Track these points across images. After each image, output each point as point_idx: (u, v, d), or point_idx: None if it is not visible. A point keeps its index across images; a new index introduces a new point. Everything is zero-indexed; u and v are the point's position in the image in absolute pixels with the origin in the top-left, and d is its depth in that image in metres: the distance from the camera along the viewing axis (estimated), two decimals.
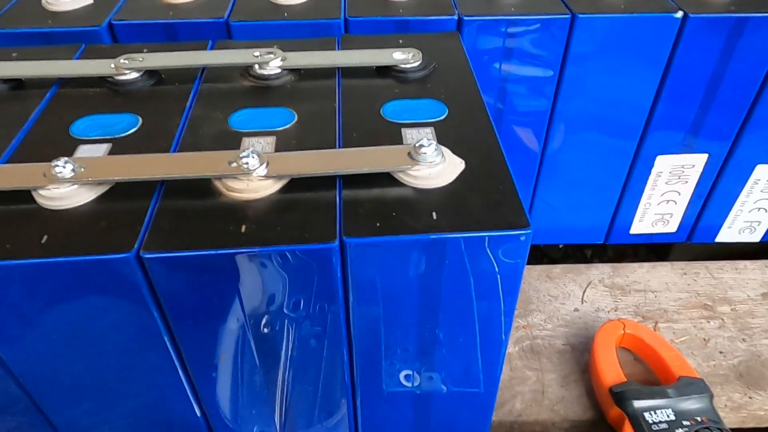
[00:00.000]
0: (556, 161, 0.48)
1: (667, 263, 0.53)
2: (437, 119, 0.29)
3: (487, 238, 0.23)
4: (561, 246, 0.62)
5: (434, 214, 0.24)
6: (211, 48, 0.35)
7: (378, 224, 0.23)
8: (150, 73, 0.32)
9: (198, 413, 0.30)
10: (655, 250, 0.62)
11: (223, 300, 0.24)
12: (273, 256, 0.23)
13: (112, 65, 0.32)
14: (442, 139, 0.28)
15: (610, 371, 0.40)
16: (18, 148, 0.27)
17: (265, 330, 0.26)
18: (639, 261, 0.55)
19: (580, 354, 0.45)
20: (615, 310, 0.48)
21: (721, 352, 0.45)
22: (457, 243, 0.23)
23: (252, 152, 0.24)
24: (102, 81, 0.32)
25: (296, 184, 0.25)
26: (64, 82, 0.32)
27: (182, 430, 0.30)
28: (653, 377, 0.42)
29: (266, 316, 0.25)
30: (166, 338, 0.25)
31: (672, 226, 0.54)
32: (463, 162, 0.26)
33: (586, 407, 0.41)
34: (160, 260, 0.22)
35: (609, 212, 0.52)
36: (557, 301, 0.49)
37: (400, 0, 0.41)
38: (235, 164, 0.24)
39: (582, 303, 0.49)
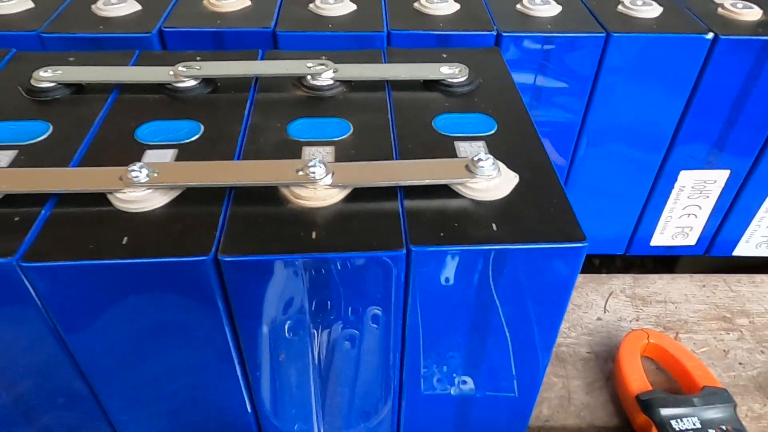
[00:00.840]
0: (583, 173, 0.49)
1: (686, 275, 0.54)
2: (488, 133, 0.30)
3: (546, 249, 0.24)
4: None
5: (494, 225, 0.25)
6: (262, 58, 0.36)
7: (442, 234, 0.24)
8: (206, 81, 0.33)
9: (249, 409, 0.31)
10: (663, 261, 0.63)
11: (290, 302, 0.25)
12: (343, 262, 0.24)
13: (171, 72, 0.33)
14: (494, 153, 0.29)
15: (636, 379, 0.41)
16: (87, 151, 0.29)
17: (324, 333, 0.27)
18: (646, 272, 0.57)
19: (604, 362, 0.46)
20: (637, 320, 0.49)
21: (740, 363, 0.46)
22: (517, 254, 0.24)
23: (319, 162, 0.26)
24: (160, 87, 0.33)
25: (359, 194, 0.26)
26: (123, 87, 0.33)
27: (232, 424, 0.31)
28: (676, 386, 0.43)
29: (326, 320, 0.26)
30: (229, 337, 0.27)
31: (691, 239, 0.55)
32: (517, 176, 0.27)
33: (611, 414, 0.42)
34: (236, 263, 0.23)
35: (631, 224, 0.54)
36: (580, 309, 0.50)
37: (440, 14, 0.43)
38: (302, 173, 0.25)
39: (604, 312, 0.50)
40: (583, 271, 0.58)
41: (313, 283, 0.24)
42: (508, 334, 0.28)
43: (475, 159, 0.26)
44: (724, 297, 0.52)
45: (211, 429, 0.32)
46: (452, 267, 0.25)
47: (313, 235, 0.24)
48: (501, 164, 0.27)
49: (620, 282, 0.53)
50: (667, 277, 0.54)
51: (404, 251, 0.24)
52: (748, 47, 0.42)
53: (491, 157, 0.26)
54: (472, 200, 0.26)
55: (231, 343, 0.27)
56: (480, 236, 0.24)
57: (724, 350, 0.47)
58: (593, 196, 0.52)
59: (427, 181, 0.26)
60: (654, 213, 0.53)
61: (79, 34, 0.39)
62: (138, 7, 0.42)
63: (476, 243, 0.24)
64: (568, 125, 0.46)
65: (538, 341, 0.29)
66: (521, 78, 0.42)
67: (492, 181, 0.26)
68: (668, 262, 0.63)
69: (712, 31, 0.42)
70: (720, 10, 0.45)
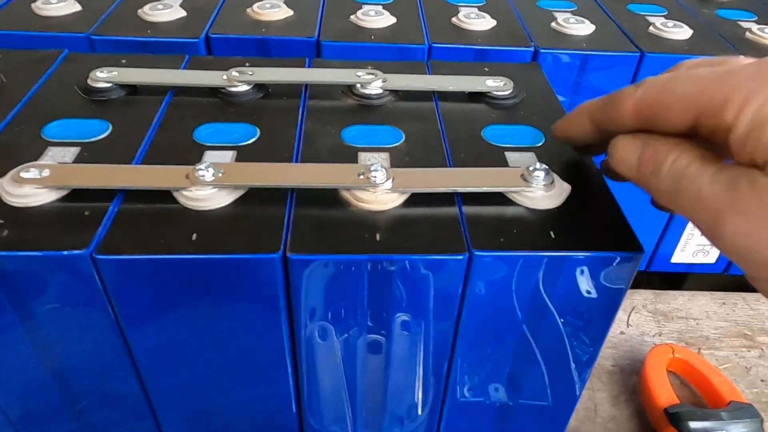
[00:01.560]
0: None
1: (706, 293, 0.55)
2: (537, 145, 0.31)
3: (604, 257, 0.25)
4: None
5: (552, 233, 0.25)
6: (308, 66, 0.37)
7: (502, 239, 0.25)
8: (258, 87, 0.34)
9: (294, 410, 0.31)
10: (669, 278, 0.64)
11: (351, 303, 0.26)
12: (407, 264, 0.24)
13: (225, 77, 0.34)
14: (544, 164, 0.30)
15: (663, 393, 0.42)
16: (148, 150, 0.29)
17: (381, 336, 0.27)
18: (652, 288, 0.57)
19: (628, 375, 0.46)
20: (659, 335, 0.50)
21: (762, 380, 0.47)
22: (577, 262, 0.25)
23: (380, 166, 0.26)
24: (214, 91, 0.34)
25: (417, 199, 0.27)
26: (177, 90, 0.34)
27: (276, 424, 0.32)
28: (701, 401, 0.44)
29: (385, 323, 0.27)
30: (285, 336, 0.27)
31: (711, 258, 0.56)
32: (570, 186, 0.28)
33: (637, 427, 0.43)
34: (305, 262, 0.24)
35: (653, 241, 0.55)
36: None
37: (477, 30, 0.44)
38: (363, 176, 0.26)
39: (627, 326, 0.51)
40: None
41: (376, 284, 0.25)
42: (556, 344, 0.29)
43: (531, 168, 0.27)
44: (744, 315, 0.53)
45: (254, 428, 0.32)
46: (512, 272, 0.25)
47: (377, 237, 0.25)
48: (555, 175, 0.28)
49: (642, 297, 0.53)
50: (687, 293, 0.54)
51: (467, 255, 0.24)
52: None
53: (546, 166, 0.27)
54: (528, 208, 0.27)
55: (286, 342, 0.27)
56: (540, 243, 0.25)
57: (746, 367, 0.48)
58: None
59: (485, 189, 0.27)
60: (676, 231, 0.54)
61: (127, 37, 0.40)
62: (183, 13, 0.43)
63: (537, 249, 0.25)
64: None
65: (584, 353, 0.29)
66: (556, 89, 0.43)
67: (548, 190, 0.27)
68: (676, 279, 0.63)
69: (741, 54, 0.43)
70: (747, 34, 0.46)
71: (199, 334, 0.27)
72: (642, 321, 0.51)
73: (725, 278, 0.59)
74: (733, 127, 0.20)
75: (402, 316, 0.27)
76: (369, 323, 0.27)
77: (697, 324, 0.51)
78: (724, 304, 0.53)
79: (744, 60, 0.22)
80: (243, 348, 0.28)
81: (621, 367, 0.47)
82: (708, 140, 0.21)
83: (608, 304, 0.27)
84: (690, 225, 0.53)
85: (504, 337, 0.28)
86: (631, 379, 0.46)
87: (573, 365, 0.30)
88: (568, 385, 0.31)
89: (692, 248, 0.55)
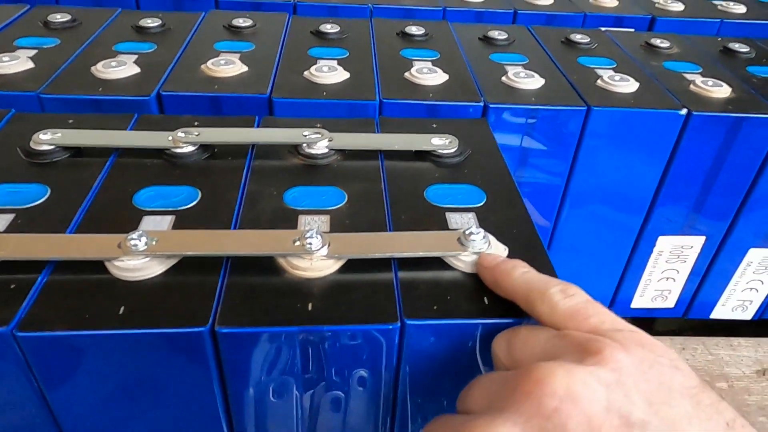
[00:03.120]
0: (566, 234, 0.51)
1: (666, 338, 0.55)
2: (477, 205, 0.31)
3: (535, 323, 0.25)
4: None
5: (486, 299, 0.25)
6: (258, 124, 0.38)
7: (435, 307, 0.25)
8: (204, 147, 0.34)
9: None
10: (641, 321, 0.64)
11: (284, 370, 0.25)
12: (338, 334, 0.24)
13: (170, 138, 0.34)
14: (484, 225, 0.30)
15: None
16: (85, 216, 0.29)
17: (316, 401, 0.27)
18: None
19: None
20: None
21: None
22: (507, 327, 0.25)
23: (315, 232, 0.26)
24: (159, 152, 0.34)
25: (354, 264, 0.27)
26: (122, 151, 0.34)
27: None
28: None
29: (320, 388, 0.26)
30: (219, 404, 0.26)
31: (670, 302, 0.57)
32: (507, 249, 0.28)
33: None
34: (234, 335, 0.23)
35: (612, 286, 0.55)
36: None
37: (429, 84, 0.45)
38: (299, 243, 0.26)
39: None
40: None
41: (308, 353, 0.25)
42: None
43: (467, 232, 0.27)
44: (703, 360, 0.53)
45: None
46: (445, 339, 0.25)
47: (309, 306, 0.24)
48: (491, 237, 0.28)
49: None
50: None
51: (398, 324, 0.24)
52: (719, 123, 0.44)
53: (482, 230, 0.27)
54: (464, 273, 0.27)
55: (221, 409, 0.27)
56: (472, 310, 0.25)
57: None
58: (576, 258, 0.53)
59: (420, 254, 0.27)
60: (634, 276, 0.54)
61: (77, 96, 0.40)
62: (137, 69, 0.44)
63: (469, 317, 0.24)
64: (552, 187, 0.48)
65: None
66: (507, 139, 0.44)
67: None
68: (647, 322, 0.64)
69: (686, 107, 0.44)
70: (692, 86, 0.48)
71: (130, 403, 0.26)
72: None
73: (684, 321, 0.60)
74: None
75: (338, 383, 0.26)
76: (304, 390, 0.26)
77: None
78: (683, 349, 0.54)
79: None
80: (176, 415, 0.27)
81: None
82: None
83: None
84: (648, 269, 0.54)
85: (443, 398, 0.28)
86: None
87: None
88: None
89: (651, 293, 0.56)
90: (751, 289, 0.55)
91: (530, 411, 0.19)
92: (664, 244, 0.52)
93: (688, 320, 0.60)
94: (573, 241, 0.52)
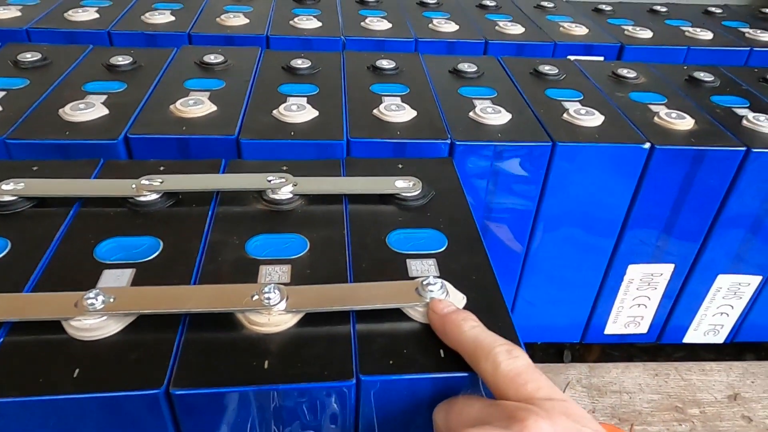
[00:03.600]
0: (539, 261, 0.51)
1: (640, 364, 0.55)
2: (438, 251, 0.32)
3: None
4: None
5: (442, 351, 0.26)
6: (224, 167, 0.38)
7: (391, 362, 0.25)
8: (168, 194, 0.34)
9: None
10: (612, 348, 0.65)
11: (240, 430, 0.25)
12: (294, 392, 0.24)
13: (133, 186, 0.34)
14: (444, 272, 0.30)
15: None
16: (45, 271, 0.29)
17: None
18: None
19: None
20: (593, 411, 0.50)
21: None
22: (464, 381, 0.25)
23: (274, 287, 0.26)
24: (123, 201, 0.34)
25: (312, 317, 0.27)
26: (85, 200, 0.34)
27: None
28: None
29: None
30: None
31: (643, 328, 0.57)
32: (465, 297, 0.28)
33: None
34: (188, 396, 0.24)
35: (585, 313, 0.55)
36: None
37: (397, 122, 0.45)
38: (257, 298, 0.26)
39: None
40: (541, 360, 0.59)
41: (266, 410, 0.25)
42: None
43: (424, 283, 0.28)
44: (675, 386, 0.53)
45: None
46: (401, 393, 0.25)
47: (265, 364, 0.25)
48: (449, 286, 0.28)
49: (577, 372, 0.54)
50: (621, 365, 0.55)
51: (354, 381, 0.24)
52: (682, 156, 0.45)
53: (440, 280, 0.28)
54: (421, 323, 0.27)
55: None
56: (428, 363, 0.25)
57: None
58: (549, 285, 0.54)
59: (378, 306, 0.27)
60: (606, 303, 0.55)
61: (44, 140, 0.40)
62: (105, 111, 0.44)
63: (424, 371, 0.25)
64: (522, 216, 0.49)
65: None
66: (476, 173, 0.45)
67: None
68: (621, 346, 0.64)
69: (649, 141, 0.45)
70: (656, 119, 0.49)
71: None
72: (576, 397, 0.51)
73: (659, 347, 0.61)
74: None
75: None
76: None
77: (630, 398, 0.52)
78: (656, 375, 0.54)
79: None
80: None
81: None
82: None
83: None
84: (619, 297, 0.55)
85: None
86: None
87: None
88: None
89: (624, 319, 0.56)
90: (722, 314, 0.56)
91: None
92: (635, 272, 0.52)
93: (661, 345, 0.60)
94: (546, 267, 0.52)
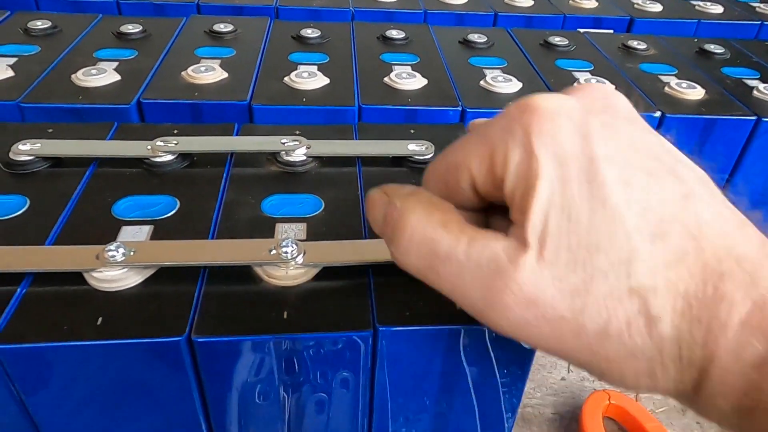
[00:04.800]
0: None
1: None
2: None
3: None
4: None
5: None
6: (237, 131, 0.38)
7: (408, 313, 0.25)
8: (183, 156, 0.35)
9: None
10: None
11: (261, 378, 0.26)
12: (313, 342, 0.25)
13: (149, 147, 0.34)
14: None
15: None
16: (64, 227, 0.29)
17: (294, 407, 0.28)
18: None
19: (568, 422, 0.47)
20: (599, 380, 0.51)
21: (697, 422, 0.48)
22: (479, 333, 0.25)
23: (291, 241, 0.27)
24: (138, 161, 0.34)
25: (329, 271, 0.27)
26: (101, 161, 0.34)
27: None
28: None
29: (297, 394, 0.27)
30: (200, 412, 0.27)
31: None
32: None
33: None
34: (210, 344, 0.24)
35: None
36: (545, 369, 0.51)
37: (408, 89, 0.45)
38: (275, 252, 0.27)
39: (568, 372, 0.51)
40: None
41: (284, 360, 0.25)
42: (474, 400, 0.29)
43: None
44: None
45: None
46: (419, 344, 0.26)
47: (285, 315, 0.25)
48: None
49: None
50: None
51: (371, 331, 0.25)
52: (692, 125, 0.45)
53: None
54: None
55: (200, 416, 0.27)
56: (445, 315, 0.25)
57: (682, 409, 0.49)
58: None
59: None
60: None
61: (58, 104, 0.40)
62: (117, 77, 0.44)
63: (440, 323, 0.25)
64: None
65: (504, 405, 0.30)
66: None
67: None
68: None
69: (659, 110, 0.45)
70: (666, 88, 0.49)
71: (111, 415, 0.27)
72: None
73: None
74: (503, 186, 0.19)
75: (314, 387, 0.27)
76: (283, 396, 0.27)
77: None
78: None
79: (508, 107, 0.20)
80: (158, 426, 0.27)
81: (561, 414, 0.48)
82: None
83: (522, 363, 0.28)
84: None
85: (421, 398, 0.29)
86: (572, 426, 0.47)
87: (494, 419, 0.30)
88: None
89: None
90: None
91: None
92: None
93: None
94: None
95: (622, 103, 0.21)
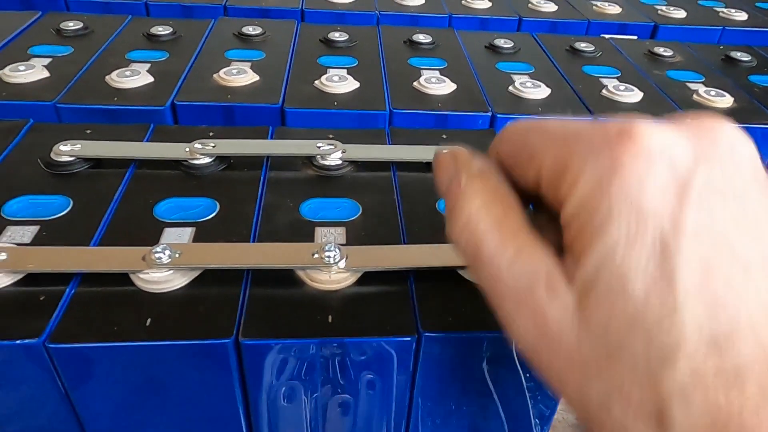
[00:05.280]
0: None
1: None
2: None
3: None
4: None
5: None
6: (272, 134, 0.38)
7: (450, 319, 0.26)
8: (220, 158, 0.35)
9: None
10: None
11: (305, 381, 0.26)
12: (358, 346, 0.25)
13: (187, 149, 0.35)
14: None
15: None
16: (108, 228, 0.30)
17: (335, 407, 0.28)
18: None
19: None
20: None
21: None
22: None
23: (334, 245, 0.27)
24: (176, 163, 0.35)
25: (371, 276, 0.28)
26: (140, 163, 0.35)
27: None
28: None
29: (339, 396, 0.27)
30: (241, 413, 0.27)
31: None
32: None
33: None
34: (257, 347, 0.24)
35: None
36: None
37: (438, 94, 0.45)
38: (317, 256, 0.27)
39: None
40: None
41: (328, 363, 0.26)
42: (507, 407, 0.29)
43: None
44: None
45: None
46: (461, 350, 0.26)
47: (329, 318, 0.25)
48: None
49: None
50: None
51: (415, 336, 0.25)
52: None
53: None
54: (478, 285, 0.28)
55: (242, 417, 0.28)
56: (487, 321, 0.26)
57: None
58: None
59: (436, 265, 0.28)
60: None
61: (94, 105, 0.41)
62: (150, 78, 0.44)
63: (483, 329, 0.25)
64: None
65: (536, 414, 0.30)
66: None
67: None
68: None
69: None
70: (695, 96, 0.49)
71: (155, 414, 0.27)
72: None
73: None
74: (564, 203, 0.17)
75: (355, 391, 0.27)
76: (323, 398, 0.27)
77: None
78: None
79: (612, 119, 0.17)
80: (201, 426, 0.28)
81: None
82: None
83: None
84: None
85: (459, 405, 0.29)
86: None
87: (532, 422, 0.31)
88: None
89: None
90: None
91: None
92: None
93: None
94: None
95: (747, 153, 0.16)
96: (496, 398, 0.29)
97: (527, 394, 0.29)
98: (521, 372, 0.28)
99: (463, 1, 0.68)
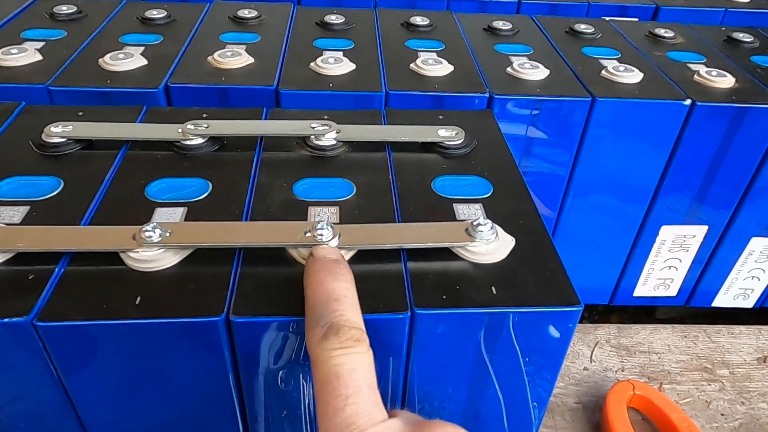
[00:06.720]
0: (570, 224, 0.51)
1: (668, 326, 0.55)
2: (485, 196, 0.32)
3: (543, 313, 0.25)
4: None
5: (493, 288, 0.26)
6: (266, 115, 0.38)
7: (444, 297, 0.25)
8: (213, 139, 0.35)
9: None
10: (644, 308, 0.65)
11: (294, 359, 0.26)
12: None
13: (180, 130, 0.34)
14: (491, 216, 0.30)
15: (623, 430, 0.42)
16: (99, 208, 0.29)
17: None
18: (627, 316, 0.58)
19: (591, 412, 0.47)
20: (622, 370, 0.51)
21: (722, 415, 0.48)
22: (516, 317, 0.25)
23: (326, 224, 0.27)
24: (169, 144, 0.34)
25: (364, 255, 0.27)
26: (132, 144, 0.34)
27: None
28: None
29: None
30: (233, 390, 0.27)
31: (672, 291, 0.57)
32: (514, 240, 0.29)
33: None
34: (248, 324, 0.24)
35: (615, 275, 0.56)
36: (567, 359, 0.51)
37: (435, 76, 0.45)
38: (310, 234, 0.27)
39: (591, 362, 0.51)
40: None
41: None
42: (503, 390, 0.29)
43: (475, 223, 0.28)
44: (704, 348, 0.53)
45: None
46: (454, 328, 0.26)
47: None
48: (498, 228, 0.28)
49: (605, 332, 0.54)
50: (649, 327, 0.55)
51: (409, 314, 0.25)
52: (723, 113, 0.45)
53: (489, 221, 0.28)
54: (471, 263, 0.27)
55: (234, 395, 0.27)
56: (481, 299, 0.25)
57: (706, 401, 0.48)
58: (580, 247, 0.53)
59: (429, 244, 0.27)
60: (637, 265, 0.55)
61: (87, 87, 0.40)
62: (144, 61, 0.44)
63: (477, 306, 0.25)
64: (556, 177, 0.48)
65: (533, 397, 0.30)
66: (511, 130, 0.44)
67: (490, 244, 0.27)
68: (648, 308, 0.65)
69: (690, 98, 0.44)
70: (696, 77, 0.48)
71: (146, 393, 0.27)
72: (605, 356, 0.52)
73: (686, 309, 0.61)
74: None
75: None
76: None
77: (659, 358, 0.52)
78: (685, 337, 0.54)
79: None
80: (193, 404, 0.28)
81: (584, 404, 0.48)
82: None
83: (552, 353, 0.27)
84: (650, 258, 0.54)
85: (453, 385, 0.29)
86: (595, 416, 0.47)
87: (523, 409, 0.30)
88: (522, 428, 0.31)
89: (654, 282, 0.56)
90: (753, 277, 0.56)
91: None
92: (667, 233, 0.52)
93: (690, 308, 0.60)
94: (576, 231, 0.52)
95: None
96: (494, 379, 0.29)
97: (525, 378, 0.29)
98: (519, 353, 0.27)
99: None
